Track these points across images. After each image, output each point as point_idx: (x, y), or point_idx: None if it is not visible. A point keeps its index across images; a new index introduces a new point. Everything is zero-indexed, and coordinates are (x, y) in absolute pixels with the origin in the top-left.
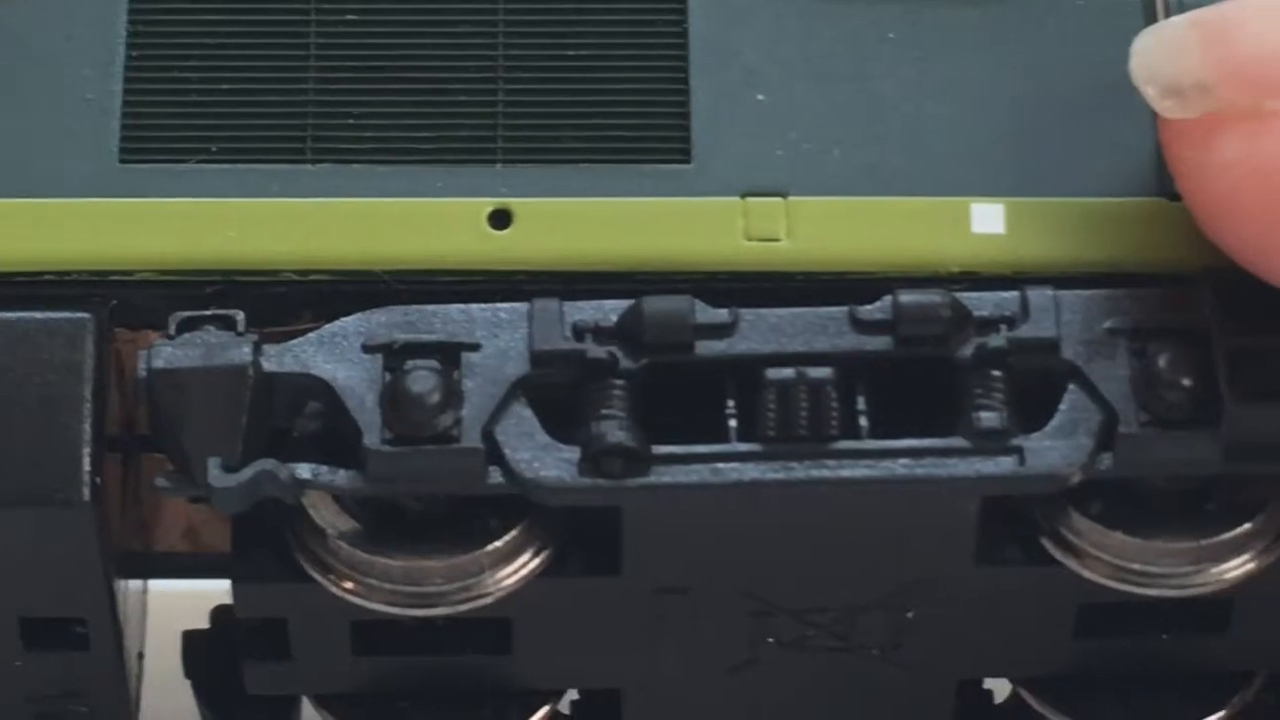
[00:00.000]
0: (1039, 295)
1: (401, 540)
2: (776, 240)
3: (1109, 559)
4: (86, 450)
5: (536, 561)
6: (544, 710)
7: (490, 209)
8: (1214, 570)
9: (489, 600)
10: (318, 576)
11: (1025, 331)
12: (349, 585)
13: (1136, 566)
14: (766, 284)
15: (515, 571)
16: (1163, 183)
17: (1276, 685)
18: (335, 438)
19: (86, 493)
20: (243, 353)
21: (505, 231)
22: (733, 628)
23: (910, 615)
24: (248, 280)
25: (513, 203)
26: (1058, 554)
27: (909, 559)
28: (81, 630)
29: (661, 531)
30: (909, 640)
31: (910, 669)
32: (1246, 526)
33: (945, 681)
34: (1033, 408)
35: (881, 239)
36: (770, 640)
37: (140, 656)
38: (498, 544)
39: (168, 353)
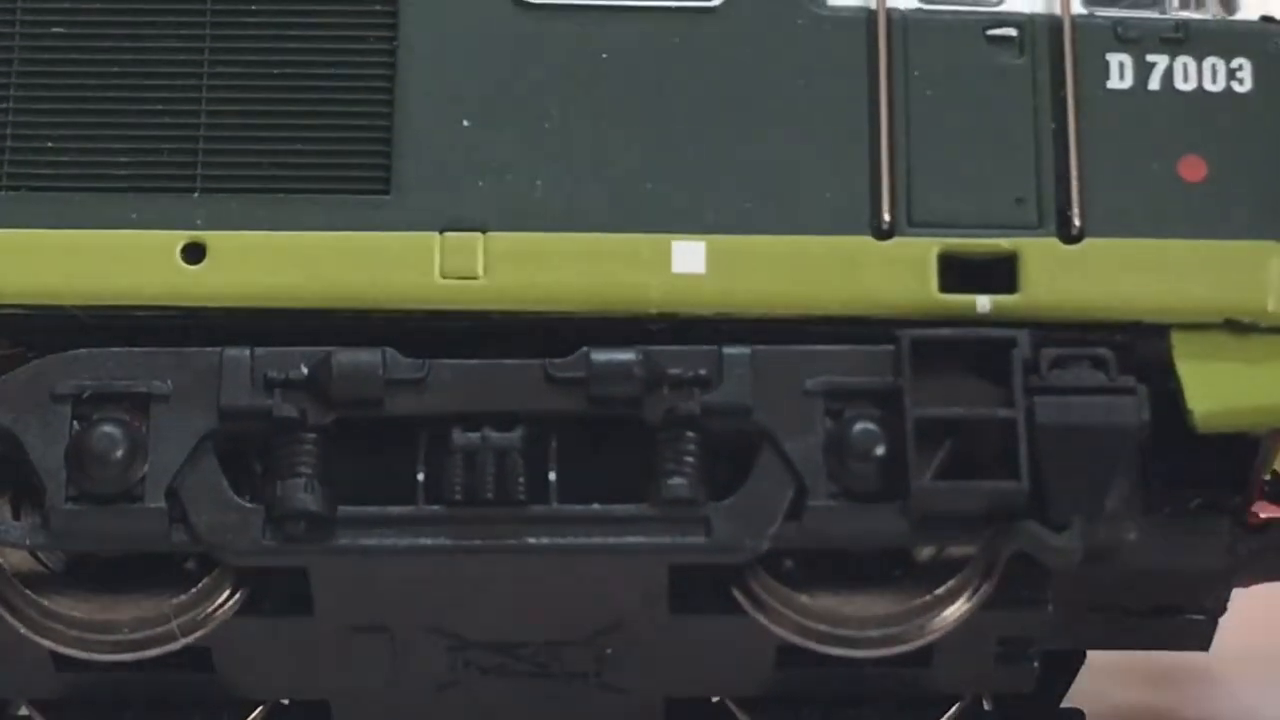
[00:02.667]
0: (735, 355)
1: (90, 586)
2: (474, 278)
3: (796, 618)
4: None
5: (228, 606)
6: (258, 711)
7: (183, 243)
8: (904, 632)
9: (178, 645)
10: (6, 616)
11: (718, 397)
12: (37, 629)
13: (823, 628)
14: (464, 322)
15: (207, 618)
16: (872, 221)
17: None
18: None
19: None
20: None
21: (198, 266)
22: (432, 657)
23: (610, 651)
24: None
25: (207, 236)
26: (748, 607)
27: (604, 607)
28: None
29: (351, 582)
30: (612, 669)
31: (615, 690)
32: (938, 591)
33: (651, 699)
34: (728, 459)
35: (580, 278)
36: (470, 666)
37: None
38: (183, 597)
39: None
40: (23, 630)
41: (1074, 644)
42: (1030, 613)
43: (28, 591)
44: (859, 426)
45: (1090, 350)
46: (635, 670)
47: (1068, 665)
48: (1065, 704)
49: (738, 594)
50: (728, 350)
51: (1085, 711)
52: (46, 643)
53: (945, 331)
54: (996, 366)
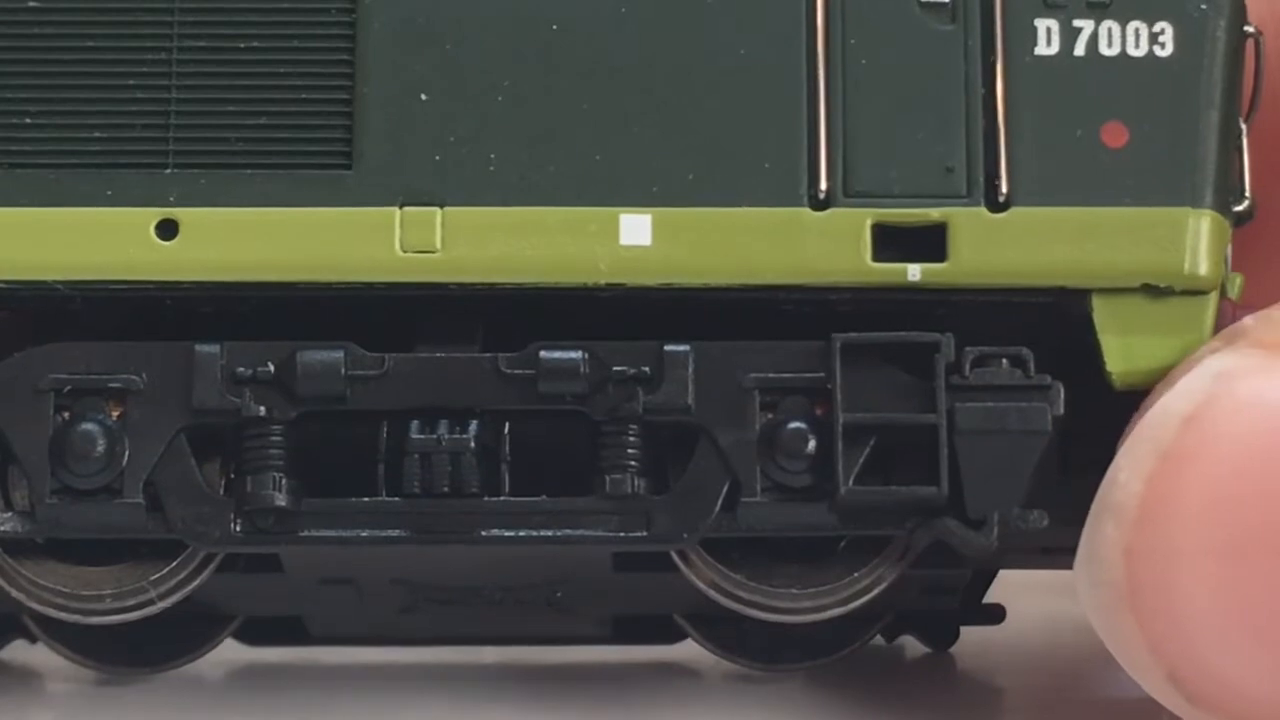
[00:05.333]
0: (675, 352)
1: (72, 557)
2: (432, 251)
3: (729, 588)
4: None
5: (203, 575)
6: (236, 621)
7: (157, 219)
8: (828, 604)
9: (156, 609)
10: (3, 584)
11: (660, 398)
12: (31, 596)
13: (758, 599)
14: (423, 292)
15: (181, 584)
16: (809, 192)
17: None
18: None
19: None
20: None
21: (172, 242)
22: (394, 596)
23: (560, 595)
24: None
25: (179, 213)
26: (684, 569)
27: (554, 566)
28: None
29: (318, 555)
30: (562, 601)
31: (566, 611)
32: (858, 573)
33: (601, 617)
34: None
35: (533, 250)
36: (429, 601)
37: None
38: (161, 573)
39: None
40: (15, 595)
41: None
42: (949, 573)
43: (19, 567)
44: (790, 426)
45: (1009, 349)
46: (584, 601)
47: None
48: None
49: (679, 561)
50: (669, 347)
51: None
52: (38, 607)
53: (874, 335)
54: (922, 360)
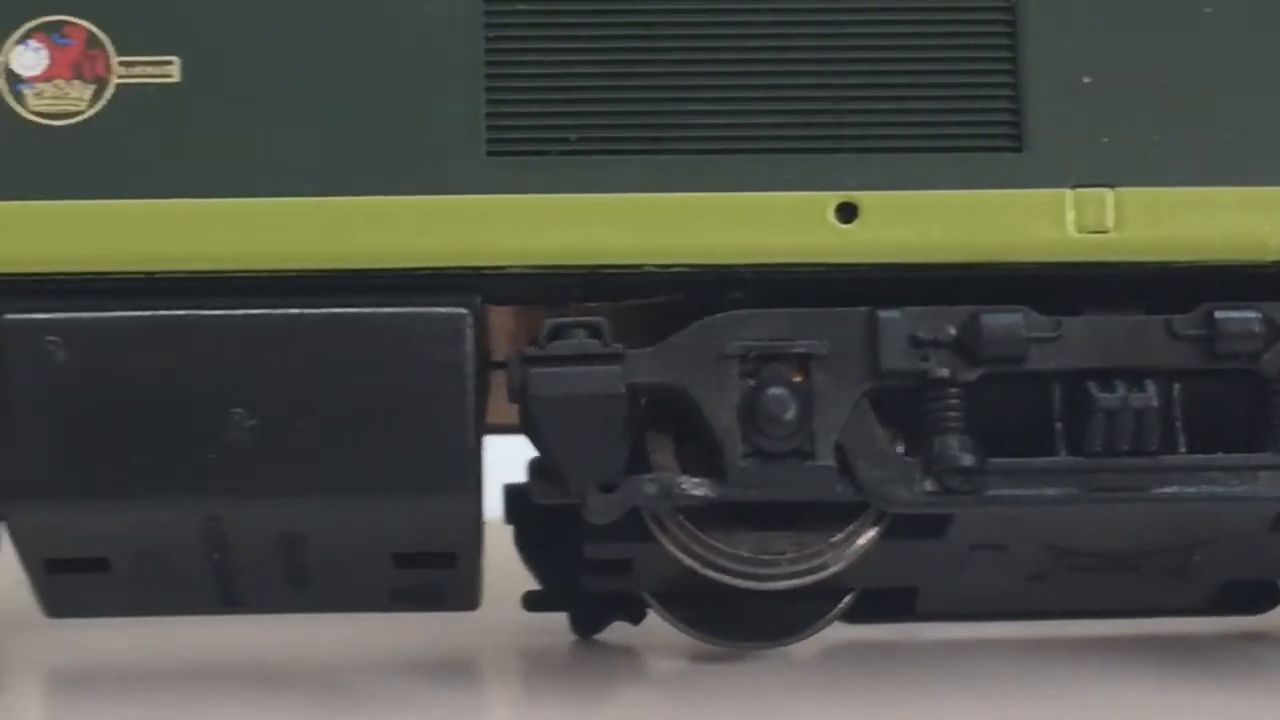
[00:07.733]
0: None
1: (745, 522)
2: (1105, 232)
3: None
4: (472, 442)
5: (872, 538)
6: (852, 595)
7: (837, 202)
8: None
9: (827, 574)
10: (677, 553)
11: None
12: (707, 564)
13: None
14: (1093, 273)
15: (854, 550)
16: None
17: None
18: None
19: (474, 481)
20: (614, 373)
21: (851, 225)
22: (1033, 559)
23: (1198, 559)
24: (612, 272)
25: (859, 196)
26: None
27: (1208, 526)
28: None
29: (988, 517)
30: (1197, 565)
31: (1187, 579)
32: None
33: (1215, 583)
34: None
35: (1207, 230)
36: (1068, 568)
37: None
38: (839, 536)
39: (543, 378)
40: (689, 563)
41: None
42: None
43: (699, 533)
44: None
45: None
46: (1211, 567)
47: None
48: None
49: None
50: None
51: None
52: (713, 574)
53: None
54: None
